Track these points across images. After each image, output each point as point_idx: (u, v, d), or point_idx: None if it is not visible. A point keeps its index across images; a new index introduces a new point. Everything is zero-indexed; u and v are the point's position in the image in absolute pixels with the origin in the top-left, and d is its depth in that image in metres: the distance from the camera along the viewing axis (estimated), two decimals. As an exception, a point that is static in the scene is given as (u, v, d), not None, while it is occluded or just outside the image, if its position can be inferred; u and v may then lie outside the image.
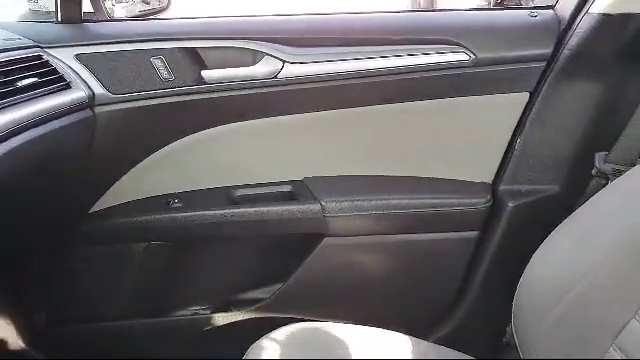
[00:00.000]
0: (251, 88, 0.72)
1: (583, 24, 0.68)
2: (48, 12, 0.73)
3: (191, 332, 0.85)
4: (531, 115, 0.74)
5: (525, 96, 0.74)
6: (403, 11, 0.90)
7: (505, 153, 0.78)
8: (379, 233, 0.79)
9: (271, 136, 0.77)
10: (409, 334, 0.60)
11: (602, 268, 0.47)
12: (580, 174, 0.70)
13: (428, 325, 0.84)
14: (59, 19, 0.71)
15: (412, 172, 0.80)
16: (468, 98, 0.74)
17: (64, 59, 0.68)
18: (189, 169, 0.79)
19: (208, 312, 0.85)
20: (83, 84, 0.67)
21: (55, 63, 0.66)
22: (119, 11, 0.90)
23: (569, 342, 0.48)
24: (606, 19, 0.67)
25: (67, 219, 0.76)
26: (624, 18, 0.66)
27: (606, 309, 0.46)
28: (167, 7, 0.92)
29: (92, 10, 0.79)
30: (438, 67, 0.72)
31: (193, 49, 0.72)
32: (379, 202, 0.77)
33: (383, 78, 0.72)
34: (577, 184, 0.70)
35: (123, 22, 0.84)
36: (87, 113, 0.68)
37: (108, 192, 0.77)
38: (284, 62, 0.71)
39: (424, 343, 0.62)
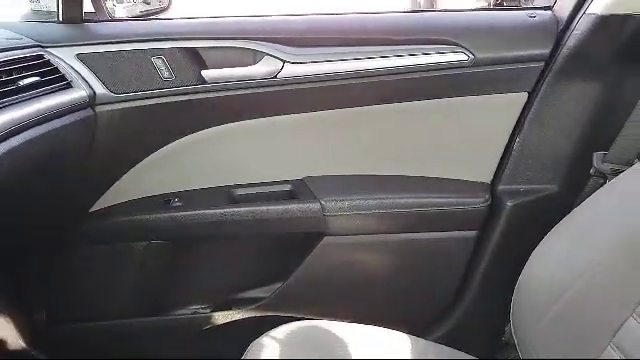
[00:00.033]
0: (251, 88, 0.72)
1: (581, 25, 0.69)
2: (49, 12, 0.73)
3: (191, 331, 0.85)
4: (530, 115, 0.74)
5: (524, 96, 0.74)
6: (402, 11, 0.90)
7: (504, 153, 0.78)
8: (379, 232, 0.79)
9: (271, 135, 0.78)
10: (408, 333, 0.61)
11: (599, 267, 0.47)
12: (578, 174, 0.71)
13: (427, 324, 0.84)
14: (60, 19, 0.72)
15: (411, 172, 0.80)
16: (467, 98, 0.75)
17: (65, 59, 0.68)
18: (190, 168, 0.79)
19: (208, 311, 0.85)
20: (84, 83, 0.68)
21: (56, 62, 0.67)
22: (120, 11, 0.90)
23: (567, 341, 0.48)
24: (604, 20, 0.67)
25: (67, 218, 0.76)
26: (621, 19, 0.67)
27: (603, 308, 0.46)
28: (168, 7, 0.92)
29: (93, 10, 0.79)
30: (437, 67, 0.72)
31: (194, 49, 0.72)
32: (379, 201, 0.77)
33: (383, 78, 0.73)
34: (575, 184, 0.71)
35: (124, 22, 0.84)
36: (88, 112, 0.68)
37: (108, 191, 0.77)
38: (284, 62, 0.72)
39: (423, 342, 0.62)
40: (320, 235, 0.78)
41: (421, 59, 0.72)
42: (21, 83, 0.59)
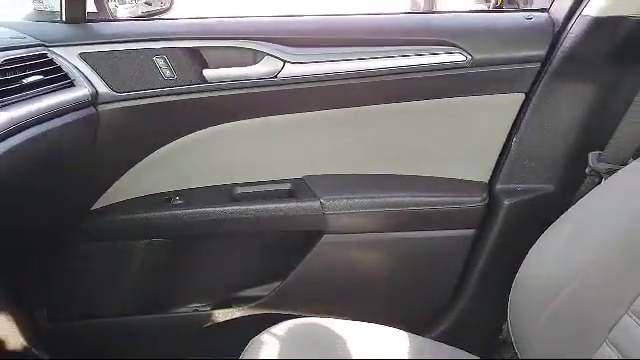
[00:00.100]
0: (252, 87, 0.73)
1: (576, 27, 0.70)
2: (53, 12, 0.74)
3: (191, 328, 0.85)
4: (526, 115, 0.75)
5: (521, 96, 0.75)
6: (402, 13, 0.91)
7: (501, 152, 0.79)
8: (378, 230, 0.80)
9: (272, 134, 0.78)
10: (407, 330, 0.61)
11: (595, 266, 0.48)
12: (574, 173, 0.71)
13: (426, 322, 0.85)
14: (63, 19, 0.73)
15: (410, 171, 0.81)
16: (465, 98, 0.75)
17: (68, 58, 0.69)
18: (191, 167, 0.80)
19: (208, 309, 0.85)
20: (87, 82, 0.69)
21: (59, 61, 0.67)
22: (122, 12, 0.91)
23: (563, 339, 0.49)
24: (598, 22, 0.68)
25: (68, 216, 0.76)
26: (616, 21, 0.68)
27: (598, 306, 0.46)
28: (169, 8, 0.93)
29: (96, 10, 0.80)
30: (435, 68, 0.73)
31: (195, 49, 0.73)
32: (378, 200, 0.78)
33: (382, 78, 0.74)
34: (571, 183, 0.72)
35: (126, 22, 0.85)
36: (90, 111, 0.69)
37: (110, 189, 0.78)
38: (284, 62, 0.73)
39: (421, 339, 0.62)
40: (320, 233, 0.79)
41: (419, 60, 0.73)
42: (25, 81, 0.60)
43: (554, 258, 0.53)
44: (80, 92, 0.67)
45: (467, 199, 0.78)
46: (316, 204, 0.77)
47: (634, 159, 0.63)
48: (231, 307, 0.85)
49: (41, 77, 0.62)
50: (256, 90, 0.73)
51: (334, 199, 0.77)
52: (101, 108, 0.70)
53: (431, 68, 0.73)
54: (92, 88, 0.69)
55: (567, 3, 0.73)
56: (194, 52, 0.73)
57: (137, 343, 0.85)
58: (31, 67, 0.62)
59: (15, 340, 0.78)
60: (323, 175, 0.81)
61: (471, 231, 0.80)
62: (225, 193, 0.80)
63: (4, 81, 0.57)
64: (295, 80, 0.73)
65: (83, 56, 0.70)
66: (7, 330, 0.78)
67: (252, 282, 0.86)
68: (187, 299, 0.86)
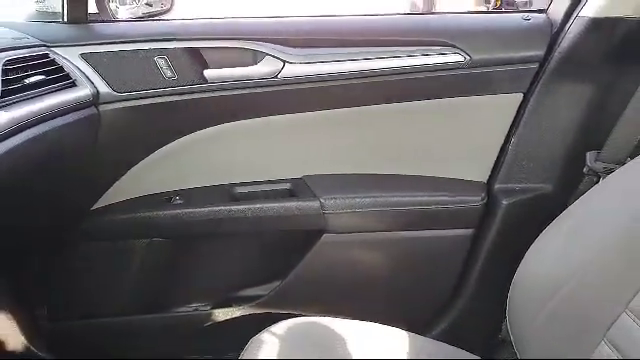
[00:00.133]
0: (252, 88, 0.74)
1: (574, 27, 0.71)
2: (55, 12, 0.75)
3: (192, 328, 0.86)
4: (525, 115, 0.76)
5: (519, 97, 0.76)
6: (400, 14, 0.92)
7: (500, 152, 0.79)
8: (377, 230, 0.80)
9: (272, 134, 0.79)
10: (406, 330, 0.61)
11: (593, 265, 0.48)
12: (572, 172, 0.72)
13: (425, 321, 0.85)
14: (65, 19, 0.73)
15: (409, 170, 0.82)
16: (464, 98, 0.76)
17: (70, 58, 0.69)
18: (191, 166, 0.80)
19: (208, 308, 0.86)
20: (88, 82, 0.69)
21: (61, 62, 0.68)
22: (123, 13, 0.91)
23: (561, 338, 0.49)
24: (596, 23, 0.69)
25: (69, 216, 0.77)
26: (613, 22, 0.68)
27: (596, 305, 0.47)
28: (170, 9, 0.94)
29: (97, 11, 0.80)
30: (434, 68, 0.74)
31: (196, 49, 0.73)
32: (377, 199, 0.78)
33: (380, 79, 0.74)
34: (569, 182, 0.72)
35: (128, 23, 0.85)
36: (92, 111, 0.69)
37: (110, 189, 0.78)
38: (284, 62, 0.73)
39: (421, 338, 0.62)
40: (319, 233, 0.79)
41: (419, 60, 0.74)
42: (27, 81, 0.60)
43: (552, 257, 0.53)
44: (81, 92, 0.67)
45: (466, 199, 0.79)
46: (316, 204, 0.78)
47: (631, 158, 0.63)
48: (231, 306, 0.85)
49: (43, 77, 0.63)
50: (256, 90, 0.74)
51: (334, 199, 0.78)
52: (102, 108, 0.70)
53: (430, 68, 0.74)
54: (93, 88, 0.69)
55: (565, 4, 0.73)
56: (195, 52, 0.73)
57: (137, 342, 0.85)
58: (33, 67, 0.63)
59: (16, 339, 0.79)
60: (323, 175, 0.81)
61: (470, 231, 0.80)
62: (225, 193, 0.81)
63: (7, 81, 0.57)
64: (295, 80, 0.74)
65: (85, 56, 0.70)
66: (8, 329, 0.78)
67: (252, 281, 0.87)
68: (187, 298, 0.86)
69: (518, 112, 0.77)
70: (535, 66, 0.74)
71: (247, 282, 0.87)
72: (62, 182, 0.69)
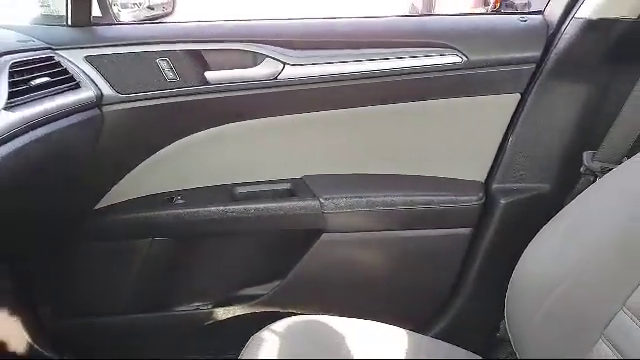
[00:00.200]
0: (252, 89, 0.75)
1: (570, 29, 0.71)
2: (59, 16, 0.76)
3: (193, 326, 0.86)
4: (522, 115, 0.76)
5: (516, 97, 0.77)
6: (399, 15, 0.93)
7: (497, 152, 0.80)
8: (376, 229, 0.81)
9: (272, 135, 0.80)
10: (405, 328, 0.62)
11: (589, 264, 0.48)
12: (569, 172, 0.72)
13: (424, 320, 0.86)
14: (69, 23, 0.74)
15: (408, 170, 0.82)
16: (461, 99, 0.77)
17: (74, 60, 0.71)
18: (192, 167, 0.81)
19: (209, 307, 0.86)
20: (92, 84, 0.70)
21: (66, 64, 0.69)
22: (125, 16, 0.93)
23: (559, 336, 0.49)
24: (592, 24, 0.69)
25: (72, 216, 0.78)
26: (609, 23, 0.69)
27: (593, 304, 0.47)
28: (171, 13, 0.95)
29: (100, 15, 0.82)
30: (432, 69, 0.75)
31: (197, 51, 0.74)
32: (376, 199, 0.79)
33: (379, 80, 0.75)
34: (567, 182, 0.72)
35: (130, 25, 0.87)
36: (95, 112, 0.70)
37: (113, 189, 0.79)
38: (284, 64, 0.74)
39: (420, 337, 0.63)
40: (319, 232, 0.80)
41: (417, 61, 0.74)
42: (32, 83, 0.61)
43: (549, 256, 0.54)
44: (85, 94, 0.68)
45: (464, 198, 0.79)
46: (315, 203, 0.78)
47: (628, 158, 0.64)
48: (232, 305, 0.85)
49: (48, 79, 0.64)
50: (257, 92, 0.75)
51: (333, 198, 0.78)
52: (105, 109, 0.71)
53: (428, 69, 0.75)
54: (97, 90, 0.70)
55: (561, 5, 0.74)
56: (196, 54, 0.75)
57: (139, 341, 0.86)
58: (39, 69, 0.64)
59: (19, 337, 0.79)
60: (322, 175, 0.82)
61: (468, 230, 0.81)
62: (226, 193, 0.81)
63: (13, 83, 0.58)
64: (294, 82, 0.75)
65: (88, 59, 0.71)
66: (12, 327, 0.79)
67: (252, 281, 0.87)
68: (188, 297, 0.87)
69: (515, 112, 0.77)
70: (532, 67, 0.74)
71: (247, 281, 0.87)
72: (65, 182, 0.70)
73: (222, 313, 0.85)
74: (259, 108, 0.77)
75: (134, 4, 0.92)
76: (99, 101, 0.70)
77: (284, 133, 0.79)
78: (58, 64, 0.68)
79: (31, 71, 0.62)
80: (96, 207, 0.79)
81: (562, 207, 0.58)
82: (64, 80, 0.66)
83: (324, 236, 0.80)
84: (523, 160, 0.78)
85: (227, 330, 0.85)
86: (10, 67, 0.59)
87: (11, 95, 0.57)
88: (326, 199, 0.78)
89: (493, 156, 0.80)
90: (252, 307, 0.84)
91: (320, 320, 0.62)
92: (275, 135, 0.80)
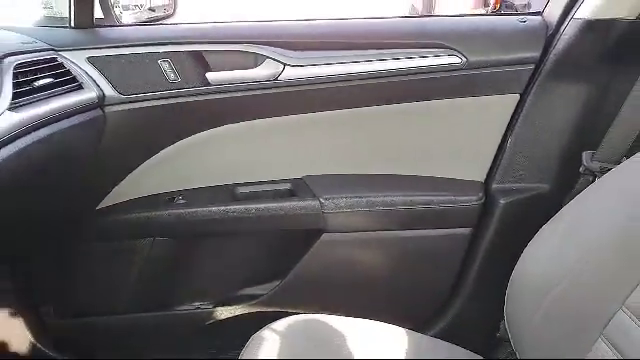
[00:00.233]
0: (253, 90, 0.75)
1: (569, 29, 0.72)
2: (62, 18, 0.77)
3: (194, 326, 0.87)
4: (521, 116, 0.77)
5: (515, 97, 0.77)
6: (398, 16, 0.93)
7: (497, 152, 0.80)
8: (376, 229, 0.81)
9: (272, 136, 0.80)
10: (405, 328, 0.62)
11: (588, 263, 0.48)
12: (569, 172, 0.72)
13: (423, 319, 0.86)
14: (72, 24, 0.75)
15: (407, 171, 0.83)
16: (461, 100, 0.77)
17: (77, 61, 0.71)
18: (193, 167, 0.82)
19: (210, 306, 0.87)
20: (94, 85, 0.71)
21: (68, 65, 0.70)
22: (127, 18, 0.93)
23: (558, 336, 0.49)
24: (590, 24, 0.70)
25: (74, 216, 0.78)
26: (607, 23, 0.69)
27: (592, 303, 0.47)
28: (172, 14, 0.96)
29: (103, 16, 0.83)
30: (432, 70, 0.75)
31: (198, 52, 0.75)
32: (376, 199, 0.79)
33: (379, 80, 0.75)
34: (566, 182, 0.73)
35: (132, 27, 0.87)
36: (97, 113, 0.71)
37: (114, 189, 0.79)
38: (285, 65, 0.75)
39: (420, 336, 0.63)
40: (319, 232, 0.80)
41: (416, 62, 0.75)
42: (36, 84, 0.62)
43: (549, 256, 0.54)
44: (88, 95, 0.69)
45: (463, 198, 0.80)
46: (315, 203, 0.79)
47: (627, 158, 0.64)
48: (232, 305, 0.86)
49: (51, 80, 0.64)
50: (257, 92, 0.75)
51: (333, 198, 0.79)
52: (108, 110, 0.72)
53: (427, 70, 0.75)
54: (99, 91, 0.71)
55: (560, 6, 0.74)
56: (197, 56, 0.75)
57: (140, 340, 0.86)
58: (42, 70, 0.65)
59: (21, 337, 0.80)
60: (322, 175, 0.82)
61: (468, 230, 0.81)
62: (227, 193, 0.82)
63: (17, 84, 0.59)
64: (295, 82, 0.75)
65: (91, 60, 0.72)
66: (13, 328, 0.79)
67: (253, 280, 0.88)
68: (189, 297, 0.87)
69: (515, 113, 0.78)
70: (531, 67, 0.75)
71: (248, 281, 0.88)
72: (67, 183, 0.71)
73: (223, 313, 0.86)
74: (260, 109, 0.78)
75: (136, 6, 0.93)
76: (101, 102, 0.71)
77: (285, 133, 0.80)
78: (61, 65, 0.68)
79: (34, 72, 0.63)
80: (98, 207, 0.80)
81: (561, 207, 0.58)
82: (67, 81, 0.67)
83: (324, 236, 0.80)
84: (522, 160, 0.78)
85: (228, 329, 0.85)
86: (14, 68, 0.60)
87: (15, 96, 0.57)
88: (326, 199, 0.79)
89: (493, 156, 0.80)
90: (253, 307, 0.85)
91: (320, 319, 0.62)
92: (276, 135, 0.80)
